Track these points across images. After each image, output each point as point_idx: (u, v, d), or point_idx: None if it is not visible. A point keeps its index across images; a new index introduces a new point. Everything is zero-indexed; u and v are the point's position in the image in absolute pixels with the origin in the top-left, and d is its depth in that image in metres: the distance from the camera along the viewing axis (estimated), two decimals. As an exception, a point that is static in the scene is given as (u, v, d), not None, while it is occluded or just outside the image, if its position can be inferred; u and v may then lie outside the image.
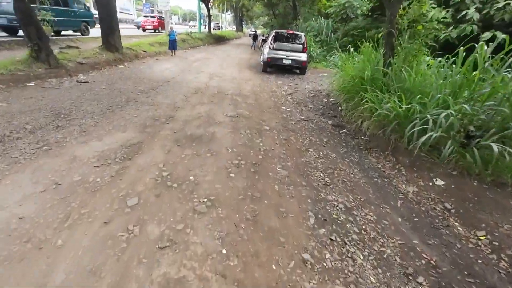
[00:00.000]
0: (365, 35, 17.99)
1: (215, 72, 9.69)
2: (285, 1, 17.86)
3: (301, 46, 10.23)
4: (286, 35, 10.38)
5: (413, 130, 3.54)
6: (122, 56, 9.72)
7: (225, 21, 53.62)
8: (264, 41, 12.96)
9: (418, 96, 3.97)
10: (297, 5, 16.60)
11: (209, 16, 26.25)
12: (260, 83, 8.64)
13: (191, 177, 2.76)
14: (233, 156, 3.37)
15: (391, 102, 4.15)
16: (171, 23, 13.04)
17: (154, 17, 23.93)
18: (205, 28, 25.89)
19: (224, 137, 3.94)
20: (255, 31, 25.01)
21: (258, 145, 3.84)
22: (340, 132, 5.17)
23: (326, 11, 16.47)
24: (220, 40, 27.31)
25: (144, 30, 23.27)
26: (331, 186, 3.16)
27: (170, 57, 12.30)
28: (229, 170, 3.03)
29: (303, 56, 10.19)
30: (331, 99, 7.11)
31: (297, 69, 10.70)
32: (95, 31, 12.56)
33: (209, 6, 26.15)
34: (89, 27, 14.62)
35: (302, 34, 10.34)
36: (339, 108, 6.37)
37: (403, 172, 3.73)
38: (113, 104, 4.89)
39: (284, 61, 10.14)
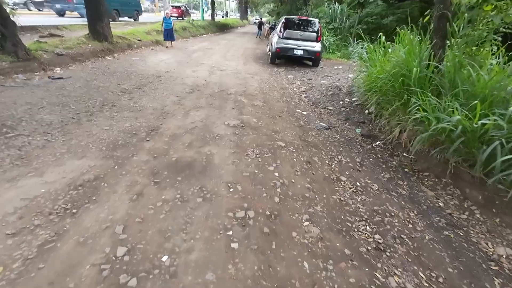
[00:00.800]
0: (380, 23, 16.47)
1: (217, 64, 8.44)
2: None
3: (315, 34, 8.88)
4: (297, 21, 9.02)
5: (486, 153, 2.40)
6: (112, 46, 8.50)
7: (230, 8, 51.45)
8: (272, 29, 11.58)
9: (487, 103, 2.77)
10: (308, -11, 15.05)
11: (212, 2, 24.62)
12: (268, 78, 7.40)
13: (164, 258, 1.62)
14: (237, 202, 2.22)
15: (457, 112, 2.93)
16: (167, 9, 11.40)
17: (178, 7, 27.70)
18: (217, 15, 24.36)
19: (224, 163, 2.78)
20: (261, 19, 23.39)
21: (272, 175, 2.68)
22: (373, 145, 3.98)
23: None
24: (223, 28, 25.74)
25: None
26: (388, 253, 2.01)
27: (167, 48, 11.02)
28: (230, 233, 1.88)
29: (317, 46, 8.87)
30: (354, 99, 5.87)
31: (310, 60, 9.39)
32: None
33: (212, -9, 24.50)
34: (139, 14, 19.08)
35: (316, 20, 8.98)
36: (366, 111, 5.14)
37: (479, 216, 2.57)
38: (82, 110, 3.74)
39: (296, 52, 8.83)
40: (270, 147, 3.29)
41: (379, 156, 3.67)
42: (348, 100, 5.84)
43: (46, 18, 13.80)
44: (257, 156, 3.02)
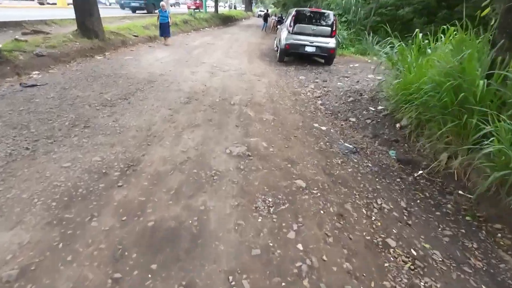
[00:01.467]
0: (395, 14, 15.23)
1: (219, 63, 7.50)
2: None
3: (329, 29, 7.85)
4: (309, 14, 7.99)
5: None
6: (103, 43, 7.60)
7: (235, 0, 49.81)
8: (280, 22, 10.52)
9: None
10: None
11: (216, -7, 23.38)
12: (277, 80, 6.45)
13: None
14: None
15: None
16: (164, 0, 10.41)
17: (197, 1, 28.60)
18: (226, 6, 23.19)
19: (224, 227, 1.90)
20: (267, 11, 22.15)
21: (293, 251, 1.79)
22: (416, 177, 3.08)
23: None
24: (227, 21, 24.56)
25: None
26: None
27: (165, 45, 10.06)
28: None
29: (331, 42, 7.85)
30: (380, 107, 4.93)
31: (322, 58, 8.39)
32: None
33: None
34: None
35: (330, 13, 7.93)
36: (397, 124, 4.22)
37: None
38: (44, 135, 2.89)
39: (307, 49, 7.84)
40: (287, 191, 2.41)
41: (427, 194, 2.77)
42: (373, 109, 4.90)
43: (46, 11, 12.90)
44: (271, 209, 2.14)
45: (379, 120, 4.49)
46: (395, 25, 15.30)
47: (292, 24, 7.86)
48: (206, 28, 17.78)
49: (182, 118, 3.67)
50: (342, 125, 4.36)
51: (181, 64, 6.90)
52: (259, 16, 37.56)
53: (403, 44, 4.56)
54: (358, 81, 6.59)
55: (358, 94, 5.61)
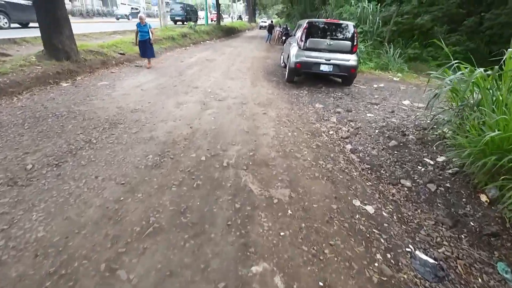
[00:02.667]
0: (413, 22, 13.69)
1: (216, 87, 6.01)
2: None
3: (349, 43, 6.33)
4: (324, 26, 6.48)
5: None
6: (76, 65, 6.19)
7: (237, 11, 49.03)
8: (287, 35, 9.05)
9: None
10: (327, -15, 12.44)
11: (218, 5, 22.23)
12: (288, 111, 4.90)
13: None
14: None
15: None
16: (141, 11, 8.91)
17: (214, 13, 30.05)
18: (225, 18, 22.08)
19: None
20: (272, 22, 20.90)
21: None
22: None
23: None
24: (230, 32, 23.36)
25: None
26: None
27: (158, 62, 8.65)
28: None
29: (352, 59, 6.33)
30: (441, 159, 3.36)
31: (340, 77, 6.86)
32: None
33: (218, -7, 22.14)
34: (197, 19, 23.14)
35: (350, 24, 6.42)
36: (482, 197, 2.65)
37: None
38: None
39: (323, 68, 6.32)
40: None
41: None
42: (431, 162, 3.31)
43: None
44: None
45: (447, 184, 2.90)
46: (413, 35, 13.84)
47: (303, 38, 6.37)
48: (207, 41, 16.51)
49: (134, 210, 2.12)
50: (393, 195, 2.77)
51: (166, 92, 5.42)
52: (261, 28, 35.92)
53: (481, 71, 2.98)
54: (393, 111, 5.02)
55: (400, 134, 4.03)
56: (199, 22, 23.50)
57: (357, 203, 2.55)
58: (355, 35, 6.35)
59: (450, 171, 3.14)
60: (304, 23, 6.56)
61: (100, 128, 3.50)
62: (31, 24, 11.78)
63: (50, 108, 4.05)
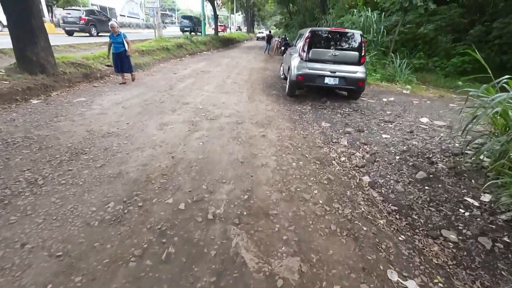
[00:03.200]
0: (415, 32, 13.19)
1: (208, 103, 5.31)
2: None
3: (356, 54, 5.68)
4: (328, 36, 5.84)
5: None
6: (53, 79, 5.50)
7: (236, 22, 49.09)
8: (287, 45, 8.44)
9: None
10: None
11: (215, 16, 21.89)
12: (290, 132, 4.18)
13: None
14: None
15: None
16: (114, 20, 7.88)
17: (222, 25, 32.99)
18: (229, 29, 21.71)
19: None
20: (270, 32, 20.46)
21: None
22: None
23: None
24: (228, 43, 22.94)
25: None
26: None
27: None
28: None
29: (360, 71, 5.67)
30: (486, 198, 2.63)
31: (347, 91, 6.20)
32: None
33: (215, 5, 21.80)
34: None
35: (357, 33, 5.78)
36: None
37: None
38: None
39: (328, 81, 5.65)
40: None
41: None
42: (475, 202, 2.58)
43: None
44: None
45: (505, 238, 2.16)
46: (416, 44, 13.32)
47: (305, 48, 5.72)
48: (204, 52, 15.97)
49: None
50: (437, 256, 2.02)
51: (151, 109, 4.71)
52: (258, 39, 34.50)
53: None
54: (411, 131, 4.31)
55: (427, 162, 3.30)
56: (207, 32, 23.79)
57: (394, 276, 1.79)
58: (363, 44, 5.71)
59: (503, 216, 2.40)
60: (306, 32, 5.92)
61: (56, 160, 2.75)
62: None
63: (3, 133, 3.32)
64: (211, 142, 3.54)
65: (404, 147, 3.75)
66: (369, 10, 9.53)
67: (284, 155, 3.34)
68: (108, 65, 7.57)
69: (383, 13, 9.55)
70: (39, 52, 5.33)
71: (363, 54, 5.72)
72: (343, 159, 3.49)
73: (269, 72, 10.07)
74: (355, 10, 9.98)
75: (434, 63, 11.41)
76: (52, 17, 27.10)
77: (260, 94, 6.51)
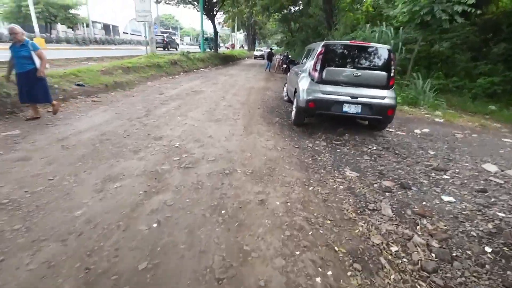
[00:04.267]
0: (429, 50, 12.01)
1: (189, 138, 3.88)
2: (314, 7, 12.24)
3: (384, 74, 4.32)
4: (347, 51, 4.50)
5: None
6: (-13, 104, 4.14)
7: (237, 40, 48.93)
8: (291, 62, 7.14)
9: None
10: (335, 10, 10.90)
11: (215, 33, 21.05)
12: (304, 191, 2.71)
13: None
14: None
15: None
16: (14, 24, 3.95)
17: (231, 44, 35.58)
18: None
19: None
20: (271, 49, 19.52)
21: None
22: None
23: (382, 14, 10.70)
24: (228, 60, 21.98)
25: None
26: None
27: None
28: None
29: (389, 97, 4.30)
30: None
31: (370, 119, 4.80)
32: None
33: (215, 22, 21.02)
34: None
35: (384, 48, 4.44)
36: None
37: None
38: None
39: (347, 108, 4.26)
40: None
41: None
42: None
43: None
44: None
45: None
46: (431, 63, 12.12)
47: (318, 67, 4.37)
48: (202, 69, 14.84)
49: None
50: None
51: (103, 151, 3.28)
52: (256, 57, 29.68)
53: None
54: (483, 190, 2.84)
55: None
56: (221, 49, 23.85)
57: None
58: (392, 62, 4.36)
59: None
60: (318, 46, 4.59)
61: None
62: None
63: None
64: (173, 221, 2.07)
65: (489, 225, 2.28)
66: (384, 25, 8.33)
67: (297, 252, 1.86)
68: (78, 85, 6.25)
69: (400, 28, 8.34)
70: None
71: (392, 74, 4.36)
72: (395, 250, 2.01)
73: (271, 92, 8.75)
74: (367, 25, 8.79)
75: (453, 83, 10.12)
76: (50, 32, 26.45)
77: (259, 122, 5.11)
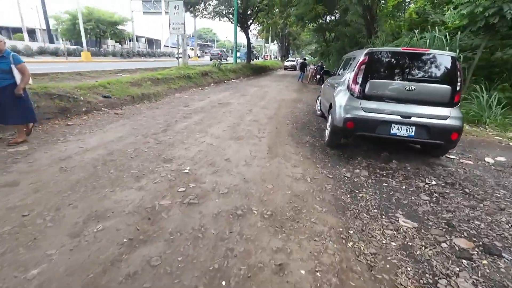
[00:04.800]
0: (489, 59, 10.37)
1: (202, 161, 3.31)
2: (352, 15, 11.36)
3: (447, 88, 3.38)
4: (396, 60, 3.65)
5: None
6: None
7: (271, 51, 49.02)
8: (327, 73, 6.36)
9: None
10: (376, 16, 9.93)
11: (248, 44, 20.97)
12: (341, 249, 1.93)
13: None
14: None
15: None
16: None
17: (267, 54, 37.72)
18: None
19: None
20: (304, 60, 18.79)
21: None
22: None
23: (427, 20, 9.49)
24: (260, 71, 21.71)
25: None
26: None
27: (151, 107, 6.44)
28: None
29: (453, 116, 3.34)
30: None
31: (421, 143, 3.84)
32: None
33: (249, 34, 20.98)
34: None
35: (447, 56, 3.52)
36: None
37: None
38: None
39: (397, 130, 3.39)
40: None
41: None
42: None
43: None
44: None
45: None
46: (492, 73, 10.44)
47: (359, 79, 3.58)
48: (233, 80, 14.63)
49: None
50: None
51: (101, 175, 2.85)
52: (286, 68, 27.96)
53: None
54: None
55: None
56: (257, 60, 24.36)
57: None
58: (458, 73, 3.41)
59: None
60: (360, 55, 3.81)
61: None
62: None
63: None
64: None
65: None
66: (436, 30, 7.20)
67: None
68: (105, 96, 6.16)
69: (458, 33, 7.14)
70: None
71: (458, 88, 3.40)
72: None
73: (302, 105, 8.03)
74: (415, 31, 7.71)
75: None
76: (100, 46, 28.74)
77: (287, 141, 4.42)
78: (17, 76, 3.37)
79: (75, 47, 23.80)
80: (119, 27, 30.21)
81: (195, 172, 3.05)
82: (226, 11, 19.15)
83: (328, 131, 4.24)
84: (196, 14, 19.49)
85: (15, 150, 3.31)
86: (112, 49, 28.00)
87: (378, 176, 3.26)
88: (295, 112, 6.93)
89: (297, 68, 20.83)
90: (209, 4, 18.88)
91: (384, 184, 3.06)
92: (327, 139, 4.25)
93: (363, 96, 3.56)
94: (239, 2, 17.79)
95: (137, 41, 37.23)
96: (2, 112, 3.38)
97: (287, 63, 28.96)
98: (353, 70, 3.74)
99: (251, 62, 22.47)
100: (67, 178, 2.68)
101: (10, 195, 2.31)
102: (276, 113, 6.60)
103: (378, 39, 9.18)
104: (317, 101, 6.88)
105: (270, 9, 17.69)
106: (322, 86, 6.42)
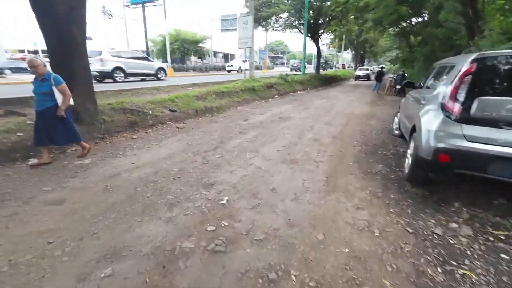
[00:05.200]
0: None
1: (244, 190, 2.86)
2: (446, 14, 9.37)
3: None
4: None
5: None
6: (86, 129, 4.49)
7: (343, 60, 46.37)
8: (410, 84, 5.13)
9: None
10: (481, 11, 7.90)
11: (318, 53, 20.10)
12: None
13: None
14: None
15: None
16: (34, 56, 3.46)
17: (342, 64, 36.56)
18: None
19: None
20: (382, 68, 16.79)
21: None
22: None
23: None
24: (330, 81, 20.48)
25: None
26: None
27: (211, 121, 6.47)
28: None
29: None
30: None
31: None
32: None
33: (319, 44, 20.11)
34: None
35: None
36: None
37: None
38: None
39: (526, 173, 2.23)
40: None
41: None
42: None
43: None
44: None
45: None
46: None
47: (462, 95, 2.56)
48: (299, 92, 14.07)
49: None
50: None
51: (135, 201, 2.70)
52: (357, 78, 25.30)
53: None
54: None
55: None
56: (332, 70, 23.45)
57: None
58: None
59: None
60: (464, 61, 2.75)
61: None
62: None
63: None
64: None
65: None
66: None
67: None
68: (171, 110, 6.48)
69: None
70: (75, 99, 4.41)
71: None
72: None
73: (376, 122, 6.85)
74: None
75: None
76: (185, 63, 32.42)
77: (351, 170, 3.60)
78: (59, 97, 3.40)
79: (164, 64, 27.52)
80: (200, 44, 33.56)
81: (233, 204, 2.61)
82: (296, 22, 18.86)
83: (409, 161, 3.25)
84: (268, 28, 19.83)
85: (80, 163, 3.55)
86: (194, 65, 31.20)
87: (491, 239, 2.18)
88: (366, 130, 5.89)
89: (373, 77, 18.77)
90: (280, 17, 18.93)
91: (503, 255, 1.99)
92: (407, 171, 3.26)
93: (466, 119, 2.52)
94: (310, 12, 17.25)
95: (214, 56, 40.65)
96: (50, 134, 3.45)
97: (358, 72, 26.33)
98: (452, 82, 2.73)
99: (320, 72, 21.46)
100: (105, 200, 2.61)
101: (50, 215, 2.32)
102: (341, 131, 5.73)
103: (485, 40, 7.18)
104: (395, 117, 5.69)
105: (344, 16, 16.55)
106: (403, 100, 5.24)
